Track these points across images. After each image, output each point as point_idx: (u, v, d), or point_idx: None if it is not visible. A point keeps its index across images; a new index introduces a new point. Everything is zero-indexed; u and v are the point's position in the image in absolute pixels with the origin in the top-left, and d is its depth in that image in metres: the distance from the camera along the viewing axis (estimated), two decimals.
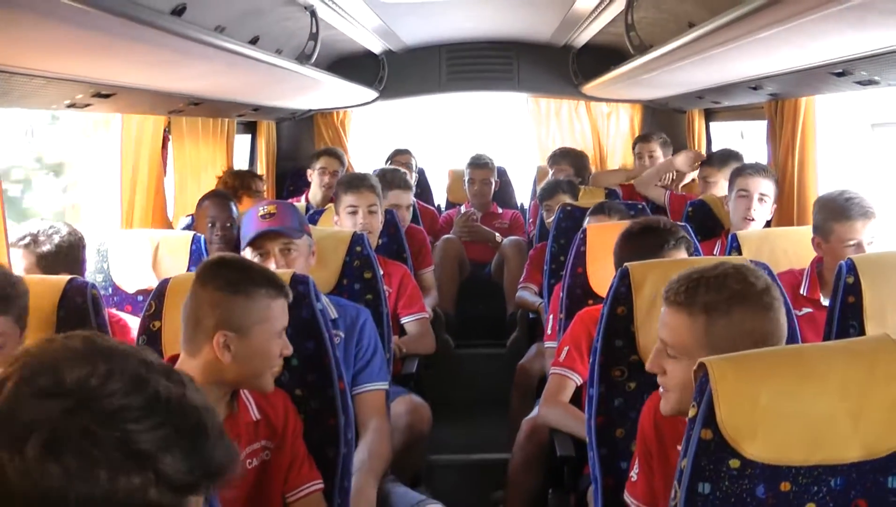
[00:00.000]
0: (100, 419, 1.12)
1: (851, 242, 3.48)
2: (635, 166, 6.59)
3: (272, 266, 3.27)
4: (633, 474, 2.50)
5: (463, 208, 6.97)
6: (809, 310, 3.57)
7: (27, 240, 3.47)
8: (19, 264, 3.43)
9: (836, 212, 3.52)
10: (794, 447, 1.74)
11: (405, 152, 7.08)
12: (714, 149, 6.75)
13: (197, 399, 1.23)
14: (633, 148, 6.67)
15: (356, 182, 4.44)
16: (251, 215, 3.38)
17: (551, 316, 4.24)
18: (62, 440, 1.10)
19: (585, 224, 4.47)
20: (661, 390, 2.27)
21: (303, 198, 6.45)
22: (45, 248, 3.49)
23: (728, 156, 5.54)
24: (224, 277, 2.42)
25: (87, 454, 1.11)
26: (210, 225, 4.66)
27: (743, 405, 1.73)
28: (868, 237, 3.50)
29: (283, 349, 2.48)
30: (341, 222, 4.42)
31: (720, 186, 5.34)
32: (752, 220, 4.43)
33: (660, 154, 6.40)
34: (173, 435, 1.17)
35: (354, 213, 4.39)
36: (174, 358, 2.48)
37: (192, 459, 1.18)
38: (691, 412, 1.78)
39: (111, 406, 1.14)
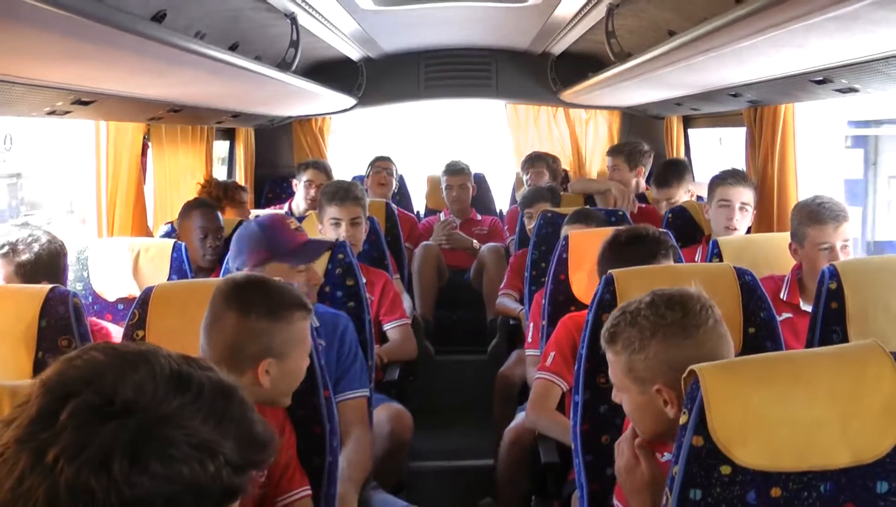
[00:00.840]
0: (164, 424, 1.16)
1: (825, 246, 3.51)
2: (610, 175, 6.60)
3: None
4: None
5: (442, 215, 6.97)
6: (789, 315, 3.59)
7: (6, 249, 3.40)
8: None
9: (809, 217, 3.56)
10: (784, 454, 1.74)
11: (386, 159, 7.06)
12: (693, 155, 6.80)
13: (226, 380, 1.28)
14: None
15: (341, 194, 4.43)
16: (290, 233, 3.36)
17: (531, 324, 4.25)
18: (142, 452, 1.14)
19: (563, 232, 4.50)
20: None
21: (285, 206, 6.44)
22: (25, 257, 3.41)
23: (678, 169, 5.61)
24: (264, 304, 2.43)
25: (167, 456, 1.15)
26: (202, 236, 4.63)
27: (734, 412, 1.74)
28: (841, 241, 3.52)
29: (306, 366, 2.55)
30: (325, 232, 4.41)
31: (680, 197, 5.45)
32: (735, 229, 4.45)
33: (625, 167, 6.37)
34: (224, 419, 1.22)
35: (338, 225, 4.39)
36: None
37: (243, 438, 1.23)
38: (682, 419, 1.79)
39: (169, 408, 1.18)
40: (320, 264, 3.71)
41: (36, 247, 3.44)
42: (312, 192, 6.19)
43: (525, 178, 6.66)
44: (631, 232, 3.31)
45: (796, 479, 1.75)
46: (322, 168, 6.37)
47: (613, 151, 6.53)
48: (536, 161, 6.73)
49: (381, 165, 6.94)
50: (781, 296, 3.63)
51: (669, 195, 5.44)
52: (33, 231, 3.49)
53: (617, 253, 3.23)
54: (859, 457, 1.77)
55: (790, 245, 3.65)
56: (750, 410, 1.74)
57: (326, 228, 4.41)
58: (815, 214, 3.53)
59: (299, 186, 6.34)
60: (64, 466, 1.11)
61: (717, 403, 1.74)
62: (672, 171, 5.59)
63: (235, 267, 3.30)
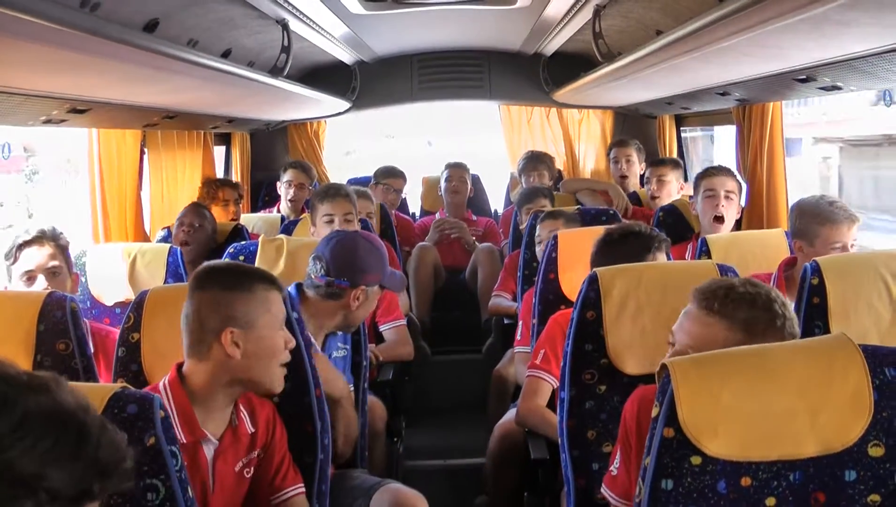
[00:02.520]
0: None
1: (837, 245, 3.53)
2: (610, 170, 6.63)
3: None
4: (613, 468, 2.53)
5: (438, 215, 7.00)
6: None
7: (52, 232, 3.53)
8: (36, 259, 3.48)
9: (823, 217, 3.54)
10: (754, 444, 1.79)
11: (393, 175, 6.98)
12: (686, 153, 6.85)
13: (69, 401, 1.19)
14: (609, 153, 6.71)
15: (332, 192, 4.48)
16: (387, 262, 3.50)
17: (521, 322, 4.29)
18: None
19: (538, 231, 4.55)
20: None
21: (275, 209, 6.48)
22: (62, 241, 3.56)
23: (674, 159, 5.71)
24: (220, 277, 2.50)
25: None
26: (178, 225, 4.78)
27: (704, 404, 1.79)
28: (851, 240, 3.55)
29: (288, 342, 2.56)
30: (318, 232, 4.45)
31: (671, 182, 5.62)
32: (722, 217, 4.49)
33: (636, 159, 6.44)
34: (54, 448, 1.13)
35: (331, 221, 4.42)
36: (180, 365, 2.53)
37: (78, 466, 1.15)
38: (654, 412, 1.84)
39: None
40: None
41: (63, 235, 3.58)
42: (292, 192, 6.24)
43: (526, 180, 6.67)
44: (623, 228, 3.36)
45: (766, 468, 1.80)
46: (301, 167, 6.39)
47: (623, 144, 6.56)
48: (538, 163, 6.73)
49: (388, 183, 6.86)
50: None
51: (662, 172, 5.54)
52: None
53: (611, 249, 3.28)
54: (828, 447, 1.81)
55: (795, 243, 3.65)
56: (720, 402, 1.79)
57: (319, 227, 4.45)
58: (831, 215, 3.53)
59: (282, 188, 6.37)
60: None
61: (687, 395, 1.79)
62: (667, 158, 5.68)
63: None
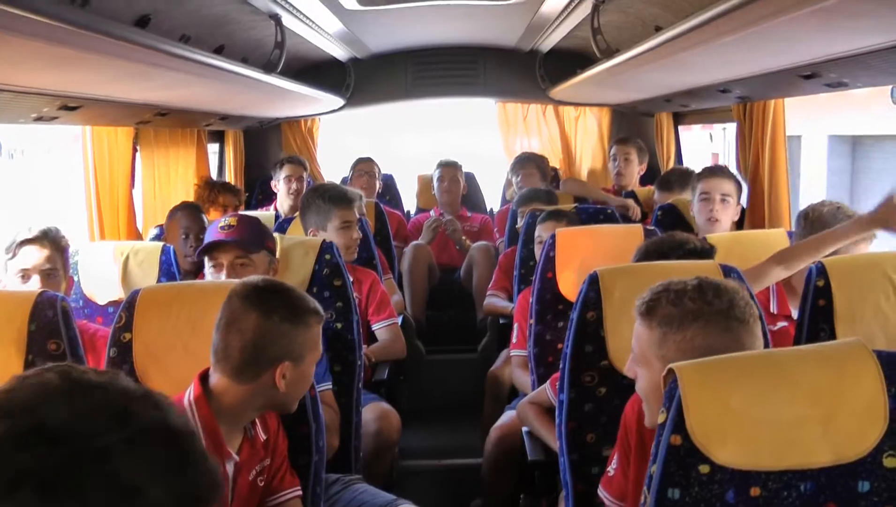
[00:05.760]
0: (88, 459, 1.10)
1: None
2: (609, 168, 6.58)
3: (222, 277, 3.30)
4: (611, 468, 2.51)
5: (432, 213, 6.97)
6: (784, 323, 3.53)
7: (52, 233, 3.50)
8: (33, 258, 3.45)
9: (831, 225, 3.47)
10: (763, 453, 1.74)
11: (367, 161, 7.05)
12: (683, 151, 6.80)
13: (179, 424, 1.22)
14: (609, 150, 6.65)
15: (348, 197, 4.41)
16: (212, 226, 3.42)
17: (516, 324, 4.25)
18: (54, 485, 1.08)
19: (538, 232, 4.52)
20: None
21: (271, 207, 6.43)
22: (64, 242, 3.54)
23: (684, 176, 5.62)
24: (287, 307, 2.45)
25: (79, 495, 1.09)
26: (184, 237, 4.69)
27: (713, 411, 1.74)
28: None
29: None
30: (330, 238, 4.27)
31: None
32: (717, 220, 4.44)
33: (635, 158, 6.40)
34: (159, 465, 1.15)
35: (349, 228, 4.35)
36: (204, 375, 2.47)
37: (177, 487, 1.16)
38: (660, 418, 1.79)
39: (98, 444, 1.11)
40: (307, 264, 3.71)
41: (64, 237, 3.57)
42: (294, 185, 6.21)
43: (516, 180, 6.63)
44: (679, 247, 3.15)
45: (776, 478, 1.75)
46: (298, 162, 6.38)
47: (624, 141, 6.52)
48: (526, 163, 6.70)
49: (363, 169, 6.92)
50: (771, 310, 3.57)
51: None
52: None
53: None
54: (840, 456, 1.76)
55: None
56: (729, 409, 1.74)
57: (331, 232, 4.32)
58: (839, 222, 3.45)
59: (279, 184, 6.32)
60: None
61: (695, 402, 1.74)
62: (677, 176, 5.60)
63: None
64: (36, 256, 3.46)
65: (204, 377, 2.46)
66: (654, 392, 2.15)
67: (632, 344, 2.25)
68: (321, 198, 4.48)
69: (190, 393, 2.44)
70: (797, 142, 11.94)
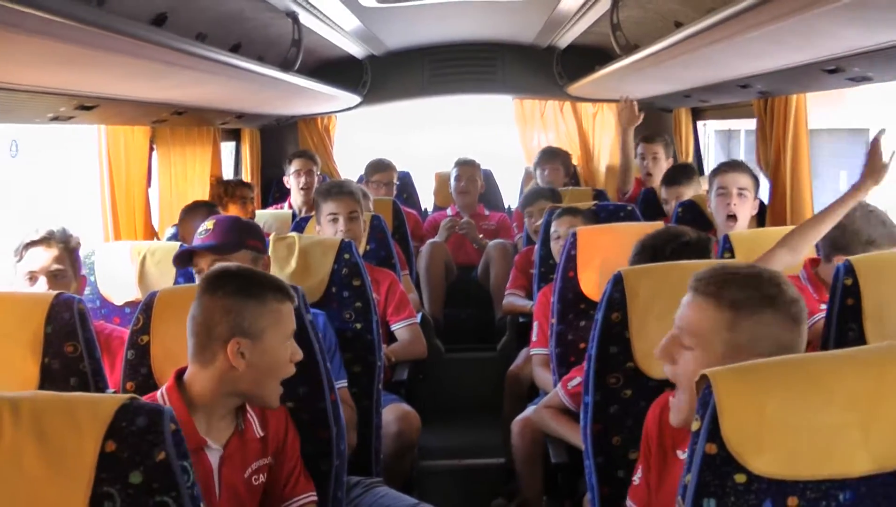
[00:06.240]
0: None
1: None
2: (638, 166, 6.50)
3: None
4: (636, 478, 2.46)
5: (449, 211, 6.94)
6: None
7: (60, 234, 3.46)
8: (40, 260, 3.41)
9: (856, 223, 3.38)
10: (801, 461, 1.68)
11: (382, 170, 6.81)
12: (702, 148, 6.74)
13: None
14: (636, 148, 6.57)
15: (335, 189, 4.39)
16: (198, 232, 3.37)
17: (536, 323, 4.21)
18: None
19: (553, 228, 4.48)
20: (671, 399, 2.22)
21: (285, 205, 6.41)
22: (73, 243, 3.49)
23: (687, 169, 5.57)
24: (233, 283, 2.42)
25: None
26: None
27: (748, 418, 1.68)
28: None
29: (294, 355, 2.48)
30: (323, 231, 4.36)
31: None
32: (734, 215, 4.38)
33: (663, 156, 6.30)
34: None
35: (335, 220, 4.33)
36: (182, 371, 2.47)
37: None
38: (694, 426, 1.73)
39: None
40: (326, 264, 3.68)
41: (74, 237, 3.52)
42: (303, 179, 6.22)
43: (541, 174, 6.59)
44: (673, 240, 3.11)
45: (814, 488, 1.69)
46: (306, 155, 6.37)
47: (651, 140, 6.40)
48: (552, 158, 6.67)
49: (380, 179, 6.77)
50: (814, 295, 3.49)
51: (679, 193, 5.38)
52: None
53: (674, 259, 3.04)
54: (881, 464, 1.70)
55: (828, 256, 3.44)
56: (765, 416, 1.68)
57: (324, 225, 4.36)
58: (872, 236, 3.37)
59: (290, 180, 6.32)
60: None
61: (730, 409, 1.69)
62: (681, 170, 5.55)
63: None
64: (42, 257, 3.42)
65: (182, 372, 2.47)
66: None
67: (678, 324, 2.17)
68: (316, 193, 4.57)
69: (164, 385, 2.46)
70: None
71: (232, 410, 2.48)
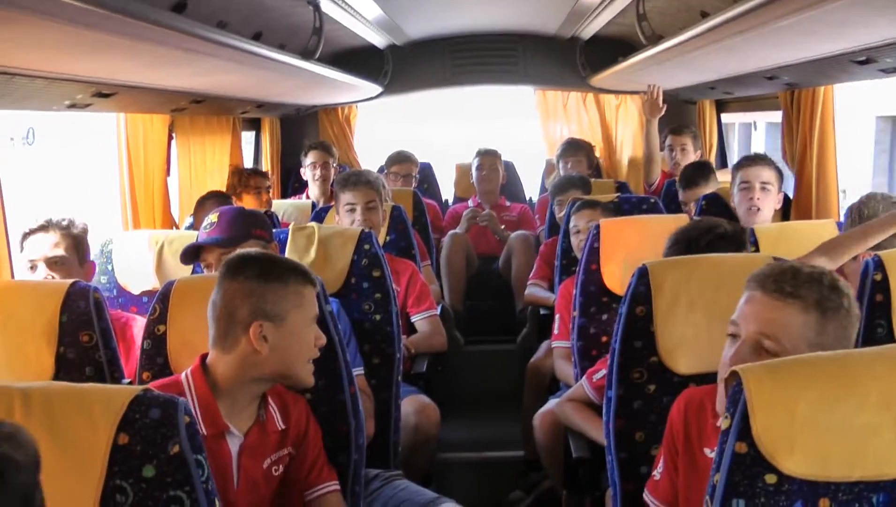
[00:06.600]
0: None
1: None
2: (665, 158, 6.44)
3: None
4: (657, 472, 2.42)
5: (470, 203, 6.91)
6: None
7: (65, 222, 3.44)
8: (38, 247, 3.39)
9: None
10: (833, 462, 1.64)
11: (402, 162, 6.83)
12: (725, 141, 6.68)
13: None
14: (664, 140, 6.49)
15: (353, 179, 4.35)
16: (202, 227, 3.35)
17: (558, 316, 4.17)
18: None
19: (573, 221, 4.44)
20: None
21: (303, 196, 6.39)
22: (76, 231, 3.46)
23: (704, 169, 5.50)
24: (255, 267, 2.42)
25: None
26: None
27: (779, 417, 1.64)
28: None
29: (318, 339, 2.47)
30: (341, 221, 4.33)
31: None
32: (758, 209, 4.31)
33: (691, 148, 6.24)
34: None
35: (353, 210, 4.30)
36: (204, 357, 2.45)
37: None
38: (724, 424, 1.69)
39: None
40: (346, 255, 3.65)
41: (79, 224, 3.49)
42: (319, 171, 6.18)
43: (563, 167, 6.54)
44: (708, 232, 3.06)
45: (846, 489, 1.65)
46: (322, 147, 6.33)
47: (679, 132, 6.35)
48: (577, 150, 6.63)
49: (395, 171, 6.77)
50: None
51: (697, 195, 5.32)
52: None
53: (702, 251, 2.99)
54: None
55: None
56: (796, 415, 1.63)
57: (342, 215, 4.33)
58: None
59: (306, 172, 6.30)
60: None
61: (761, 407, 1.64)
62: (698, 171, 5.48)
63: None
64: (40, 244, 3.39)
65: (206, 356, 2.46)
66: None
67: (754, 330, 2.08)
68: (335, 182, 4.57)
69: (189, 368, 2.45)
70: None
71: (254, 400, 2.47)
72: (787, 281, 2.04)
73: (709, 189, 5.29)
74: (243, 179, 5.64)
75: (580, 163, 6.51)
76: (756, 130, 8.10)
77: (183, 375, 2.44)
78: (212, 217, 3.33)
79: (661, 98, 5.98)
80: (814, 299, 2.01)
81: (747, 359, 2.02)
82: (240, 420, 2.44)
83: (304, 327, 2.43)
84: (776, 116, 5.24)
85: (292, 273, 2.43)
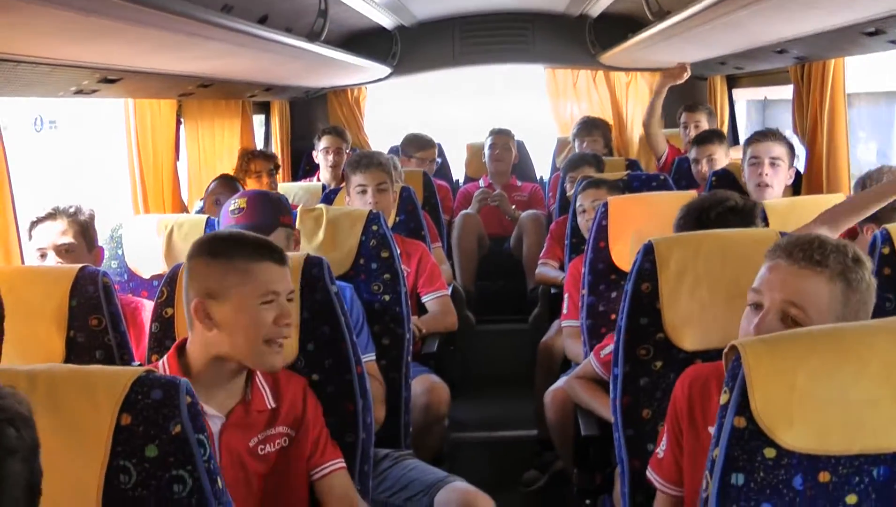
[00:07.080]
0: None
1: None
2: (681, 135, 6.41)
3: None
4: (660, 450, 2.41)
5: (482, 182, 6.90)
6: None
7: (72, 209, 3.45)
8: (47, 235, 3.40)
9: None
10: (833, 436, 1.63)
11: (426, 146, 6.77)
12: (738, 116, 6.64)
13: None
14: (679, 118, 6.46)
15: (364, 161, 4.35)
16: (223, 212, 3.35)
17: (567, 295, 4.17)
18: None
19: (579, 201, 4.43)
20: None
21: (314, 178, 6.39)
22: (82, 218, 3.47)
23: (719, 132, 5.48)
24: (207, 246, 2.43)
25: None
26: (216, 204, 4.67)
27: (778, 391, 1.63)
28: None
29: (280, 317, 2.40)
30: (352, 203, 4.33)
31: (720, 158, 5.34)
32: (768, 185, 4.29)
33: (706, 125, 6.20)
34: None
35: (364, 192, 4.29)
36: (184, 340, 2.46)
37: None
38: (723, 398, 1.68)
39: None
40: (354, 236, 3.65)
41: (85, 211, 3.50)
42: (331, 157, 6.19)
43: (579, 146, 6.52)
44: (718, 204, 3.04)
45: (846, 463, 1.64)
46: (336, 132, 6.31)
47: (694, 109, 6.33)
48: (592, 129, 6.61)
49: (421, 156, 6.68)
50: None
51: (711, 151, 5.30)
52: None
53: (709, 225, 2.99)
54: None
55: (864, 228, 3.38)
56: (796, 388, 1.62)
57: (353, 197, 4.33)
58: None
59: (319, 156, 6.30)
60: None
61: (760, 381, 1.63)
62: (713, 132, 5.46)
63: None
64: (49, 232, 3.41)
65: (184, 342, 2.47)
66: None
67: (782, 298, 2.06)
68: (346, 165, 4.53)
69: (167, 353, 2.47)
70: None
71: (233, 378, 2.45)
72: (815, 250, 2.03)
73: (721, 150, 5.28)
74: (244, 163, 5.64)
75: (596, 142, 6.49)
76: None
77: (160, 362, 2.45)
78: (239, 202, 3.31)
79: (685, 75, 5.96)
80: (839, 269, 2.00)
81: (774, 328, 2.01)
82: (221, 400, 2.44)
83: (252, 303, 2.36)
84: (757, 94, 5.22)
85: (239, 249, 2.39)
